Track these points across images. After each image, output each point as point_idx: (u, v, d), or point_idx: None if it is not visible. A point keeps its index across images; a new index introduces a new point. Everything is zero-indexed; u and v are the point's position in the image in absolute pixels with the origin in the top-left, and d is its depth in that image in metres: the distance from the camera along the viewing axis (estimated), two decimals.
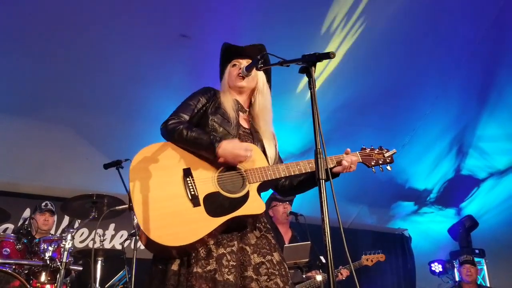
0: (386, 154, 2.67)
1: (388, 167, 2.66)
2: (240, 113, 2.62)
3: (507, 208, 8.47)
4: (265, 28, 5.39)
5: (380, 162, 2.65)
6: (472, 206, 8.79)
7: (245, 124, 2.62)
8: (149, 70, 5.59)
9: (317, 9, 5.49)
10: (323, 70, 6.15)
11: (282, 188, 2.70)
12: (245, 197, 2.31)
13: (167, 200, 2.25)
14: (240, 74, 2.58)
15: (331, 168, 2.52)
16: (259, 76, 2.69)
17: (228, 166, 2.39)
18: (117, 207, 4.30)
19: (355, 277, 1.96)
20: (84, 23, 5.07)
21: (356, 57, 6.05)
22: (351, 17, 5.70)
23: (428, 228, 8.97)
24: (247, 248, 2.30)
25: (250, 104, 2.70)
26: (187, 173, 2.32)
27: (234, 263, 2.22)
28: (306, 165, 2.46)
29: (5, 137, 5.78)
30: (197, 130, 2.38)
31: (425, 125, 7.26)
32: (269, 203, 5.14)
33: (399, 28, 5.92)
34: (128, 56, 5.44)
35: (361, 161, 2.61)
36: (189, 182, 2.29)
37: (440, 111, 7.12)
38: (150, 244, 2.18)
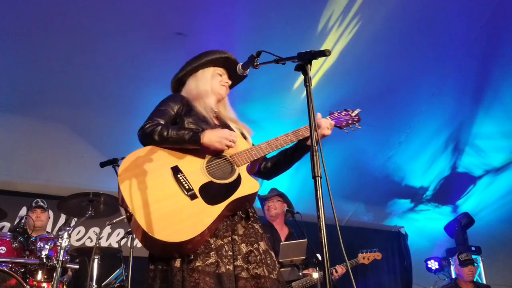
0: (353, 114, 2.82)
1: (358, 126, 2.83)
2: (211, 114, 2.68)
3: (503, 205, 8.52)
4: (261, 26, 5.39)
5: (350, 122, 2.81)
6: (468, 203, 8.82)
7: (216, 122, 2.69)
8: (145, 68, 5.58)
9: (313, 7, 5.49)
10: (319, 68, 6.15)
11: (266, 170, 2.75)
12: (238, 180, 2.37)
13: (164, 200, 2.25)
14: (224, 84, 2.74)
15: (306, 138, 2.60)
16: None
17: (214, 155, 2.44)
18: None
19: (351, 275, 1.97)
20: (80, 21, 5.05)
21: (352, 55, 6.06)
22: (347, 15, 5.70)
23: (424, 226, 9.00)
24: (237, 238, 2.34)
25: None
26: (176, 170, 2.35)
27: (231, 253, 2.26)
28: (285, 138, 2.56)
29: (1, 136, 5.75)
30: (175, 127, 2.41)
31: (421, 123, 7.28)
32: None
33: (394, 26, 5.92)
34: (124, 54, 5.43)
35: (334, 123, 2.72)
36: (180, 178, 2.31)
37: (436, 108, 7.14)
38: (158, 245, 2.18)
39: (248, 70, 2.55)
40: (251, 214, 2.48)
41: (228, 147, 2.39)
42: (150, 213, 2.20)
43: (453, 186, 8.56)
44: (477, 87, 7.13)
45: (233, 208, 2.34)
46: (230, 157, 2.43)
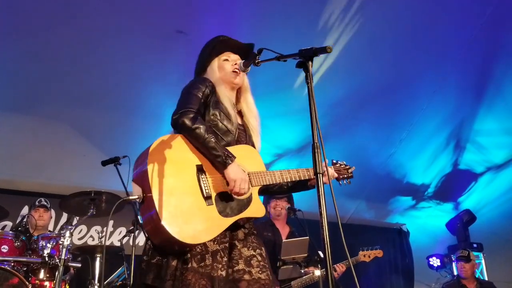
0: (350, 170, 2.94)
1: (348, 182, 2.96)
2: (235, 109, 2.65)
3: (504, 202, 8.52)
4: (262, 23, 5.39)
5: (345, 176, 2.92)
6: (470, 200, 8.81)
7: (238, 120, 2.65)
8: (146, 66, 5.57)
9: (314, 4, 5.48)
10: (320, 66, 6.14)
11: (272, 191, 2.84)
12: (249, 199, 2.41)
13: (184, 195, 2.26)
14: (235, 70, 2.59)
15: (308, 180, 2.71)
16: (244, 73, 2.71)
17: None
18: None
19: (354, 273, 1.97)
20: (81, 20, 5.05)
21: (353, 52, 6.05)
22: (349, 12, 5.69)
23: (426, 223, 8.99)
24: (236, 243, 2.37)
25: (237, 99, 2.73)
26: (200, 169, 2.35)
27: (226, 259, 2.28)
28: (295, 174, 2.63)
29: (2, 135, 5.75)
30: (213, 138, 2.37)
31: (422, 120, 7.27)
32: (265, 200, 5.17)
33: (396, 23, 5.91)
34: (125, 53, 5.42)
35: (336, 176, 2.86)
36: (203, 179, 2.32)
37: (437, 105, 7.13)
38: (165, 238, 2.17)
39: (250, 67, 2.56)
40: (250, 223, 2.53)
41: (236, 192, 2.36)
42: (169, 205, 2.19)
43: (454, 183, 8.55)
44: (478, 84, 7.12)
45: (236, 225, 2.38)
46: (248, 174, 2.44)
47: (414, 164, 8.03)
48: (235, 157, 2.36)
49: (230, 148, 2.44)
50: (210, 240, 2.26)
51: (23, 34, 5.05)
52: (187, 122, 2.34)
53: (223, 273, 2.23)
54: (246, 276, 2.27)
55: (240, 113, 2.69)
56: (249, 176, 2.42)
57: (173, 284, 2.16)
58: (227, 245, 2.32)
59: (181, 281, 2.15)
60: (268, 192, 2.83)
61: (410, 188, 8.41)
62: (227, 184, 2.35)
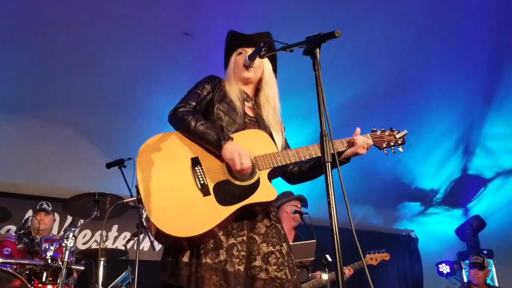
0: (397, 136, 2.59)
1: (400, 149, 2.59)
2: (246, 103, 2.57)
3: None
4: (267, 23, 5.33)
5: (392, 143, 2.58)
6: (479, 206, 8.72)
7: (250, 113, 2.57)
8: (151, 69, 5.57)
9: (321, 4, 5.44)
10: (326, 69, 6.08)
11: (291, 175, 2.63)
12: (256, 184, 2.26)
13: (176, 190, 2.20)
14: (245, 64, 2.54)
15: (342, 152, 2.47)
16: (265, 65, 2.63)
17: None
18: (124, 200, 4.18)
19: (368, 274, 1.89)
20: (85, 22, 5.05)
21: (360, 55, 6.00)
22: (356, 13, 5.64)
23: (435, 229, 8.90)
24: (256, 237, 2.26)
25: (256, 93, 2.65)
26: (195, 162, 2.28)
27: (244, 253, 2.19)
28: (316, 149, 2.38)
29: (6, 138, 5.75)
30: (205, 124, 2.32)
31: (431, 124, 7.20)
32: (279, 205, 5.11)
33: (405, 25, 5.87)
34: (130, 55, 5.41)
35: (372, 143, 2.53)
36: (198, 171, 2.25)
37: (445, 109, 7.08)
38: (160, 235, 2.14)
39: (254, 61, 2.50)
40: (273, 214, 2.40)
41: (238, 170, 2.23)
42: (158, 201, 2.15)
43: (463, 189, 8.47)
44: (487, 87, 7.06)
45: (244, 213, 2.24)
46: (254, 158, 2.30)
47: (422, 169, 7.96)
48: (231, 138, 2.28)
49: (234, 134, 2.37)
50: (224, 234, 2.19)
51: (28, 38, 5.06)
52: (178, 115, 2.34)
53: (241, 267, 2.14)
54: (262, 275, 2.17)
55: (258, 106, 2.61)
56: (256, 160, 2.31)
57: (189, 280, 2.11)
58: (244, 238, 2.22)
59: (196, 277, 2.10)
60: (286, 174, 2.62)
61: (419, 193, 8.33)
62: (228, 170, 2.27)
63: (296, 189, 6.52)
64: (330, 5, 5.47)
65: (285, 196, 5.15)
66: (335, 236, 1.52)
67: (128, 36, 5.27)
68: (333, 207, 1.55)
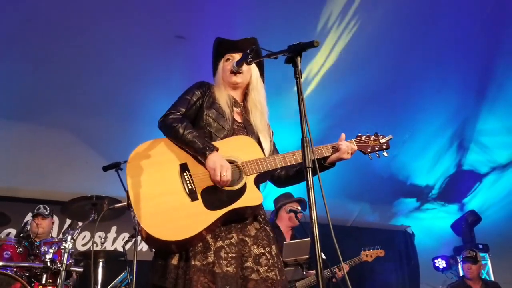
0: (382, 140, 2.65)
1: (385, 153, 2.64)
2: (234, 108, 2.62)
3: (510, 202, 8.47)
4: (260, 27, 5.40)
5: (376, 148, 2.64)
6: (474, 201, 8.78)
7: (238, 118, 2.62)
8: (146, 72, 5.61)
9: (313, 6, 5.49)
10: (320, 68, 6.15)
11: (278, 179, 2.70)
12: (243, 189, 2.32)
13: (165, 195, 2.26)
14: (233, 69, 2.59)
15: (327, 157, 2.52)
16: (253, 70, 2.69)
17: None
18: (115, 205, 4.28)
19: (348, 281, 1.95)
20: (80, 27, 5.09)
21: (352, 53, 6.05)
22: (346, 14, 5.70)
23: (431, 224, 8.95)
24: (247, 239, 2.33)
25: (244, 98, 2.70)
26: (184, 168, 2.34)
27: (234, 255, 2.25)
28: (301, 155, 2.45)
29: (4, 143, 5.79)
30: (192, 132, 2.38)
31: (425, 121, 7.26)
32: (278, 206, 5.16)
33: (395, 24, 5.92)
34: (125, 58, 5.46)
35: (357, 148, 2.58)
36: (186, 177, 2.31)
37: (439, 106, 7.12)
38: (150, 239, 2.20)
39: (242, 67, 2.57)
40: (262, 216, 2.47)
41: (218, 181, 2.28)
42: (148, 206, 2.22)
43: (459, 184, 8.53)
44: (480, 83, 7.12)
45: (232, 217, 2.30)
46: (241, 164, 2.37)
47: (417, 165, 8.01)
48: (216, 148, 2.33)
49: (222, 141, 2.43)
50: (212, 238, 2.25)
51: (24, 44, 5.10)
52: (167, 122, 2.40)
53: (229, 269, 2.20)
54: (254, 275, 2.24)
55: (246, 111, 2.65)
56: (243, 165, 2.37)
57: (176, 282, 2.17)
58: (232, 240, 2.28)
59: (184, 279, 2.16)
60: (274, 178, 2.68)
61: (414, 189, 8.39)
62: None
63: (292, 189, 6.61)
64: (319, 7, 5.53)
65: (285, 198, 5.20)
66: (315, 237, 1.59)
67: (123, 41, 5.32)
68: (313, 210, 1.63)
